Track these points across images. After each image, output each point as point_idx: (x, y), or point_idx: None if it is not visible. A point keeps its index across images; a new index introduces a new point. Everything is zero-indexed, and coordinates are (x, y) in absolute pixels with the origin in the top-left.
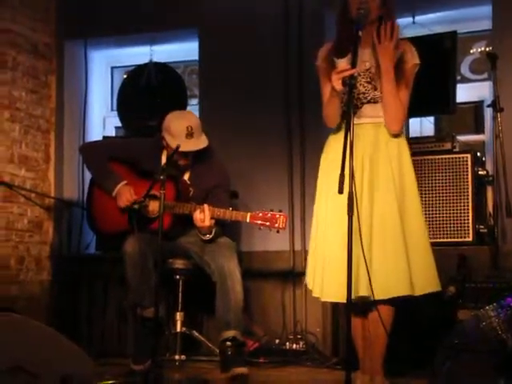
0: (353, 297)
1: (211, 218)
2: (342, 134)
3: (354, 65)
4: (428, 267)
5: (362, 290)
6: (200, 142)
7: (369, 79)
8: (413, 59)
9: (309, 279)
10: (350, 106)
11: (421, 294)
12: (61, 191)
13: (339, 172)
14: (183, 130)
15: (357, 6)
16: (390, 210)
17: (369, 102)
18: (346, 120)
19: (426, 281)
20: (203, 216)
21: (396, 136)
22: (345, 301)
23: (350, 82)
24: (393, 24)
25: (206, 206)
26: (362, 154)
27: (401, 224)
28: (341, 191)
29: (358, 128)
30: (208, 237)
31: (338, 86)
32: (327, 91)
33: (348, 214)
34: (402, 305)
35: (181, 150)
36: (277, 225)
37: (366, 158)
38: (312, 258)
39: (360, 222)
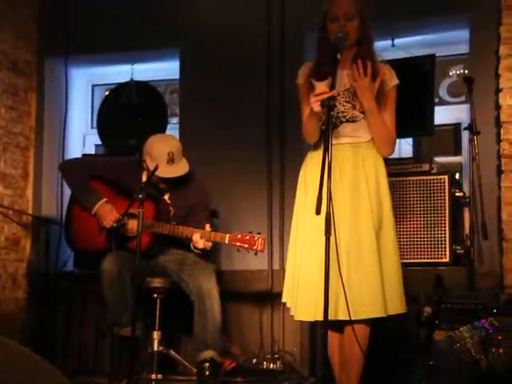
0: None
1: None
2: (320, 153)
3: (333, 87)
4: (400, 288)
5: (339, 312)
6: (181, 168)
7: (348, 99)
8: (392, 81)
9: (287, 297)
10: (329, 128)
11: (393, 313)
12: (39, 208)
13: (317, 193)
14: (164, 156)
15: (336, 30)
16: (367, 232)
17: (348, 120)
18: (324, 141)
19: (398, 301)
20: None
21: (373, 155)
22: (317, 319)
23: (328, 104)
24: (364, 61)
25: (206, 227)
26: (340, 175)
27: (377, 245)
28: (318, 212)
29: (337, 149)
30: (198, 251)
31: (317, 108)
32: (307, 109)
33: (325, 235)
34: (378, 324)
35: (162, 176)
36: (255, 247)
37: (344, 179)
38: (289, 276)
39: (337, 243)
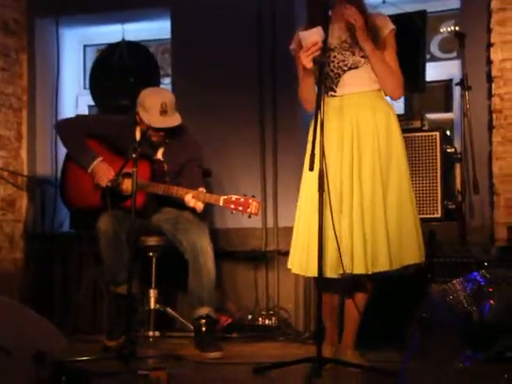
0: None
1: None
2: (325, 113)
3: (325, 46)
4: (410, 239)
5: (355, 266)
6: (173, 120)
7: (346, 48)
8: (388, 26)
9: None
10: (321, 87)
11: (401, 265)
12: (34, 169)
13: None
14: (157, 107)
15: None
16: (373, 187)
17: (350, 68)
18: (317, 99)
19: (407, 253)
20: (194, 202)
21: (384, 106)
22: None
23: (320, 60)
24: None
25: (200, 189)
26: (349, 127)
27: (383, 199)
28: (311, 168)
29: (343, 100)
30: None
31: (309, 64)
32: (302, 70)
33: (319, 191)
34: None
35: (154, 126)
36: (249, 210)
37: (354, 129)
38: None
39: (343, 199)
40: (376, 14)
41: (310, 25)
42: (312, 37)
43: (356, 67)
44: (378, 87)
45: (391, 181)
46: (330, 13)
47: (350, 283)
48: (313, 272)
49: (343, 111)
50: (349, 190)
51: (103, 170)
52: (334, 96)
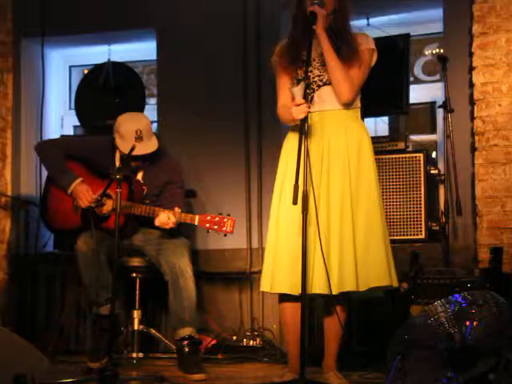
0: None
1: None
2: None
3: (308, 56)
4: (378, 263)
5: (316, 286)
6: (149, 146)
7: (323, 62)
8: (367, 44)
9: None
10: (304, 128)
11: (365, 288)
12: (18, 189)
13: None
14: (132, 134)
15: (311, 1)
16: (343, 207)
17: (325, 84)
18: (301, 124)
19: (375, 276)
20: (167, 219)
21: (356, 128)
22: (295, 293)
23: (306, 82)
24: (337, 30)
25: (176, 209)
26: (321, 146)
27: (351, 221)
28: (295, 202)
29: (316, 116)
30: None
31: (300, 116)
32: (281, 83)
33: (302, 212)
34: (357, 301)
35: (131, 154)
36: (224, 228)
37: (325, 149)
38: (266, 254)
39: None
40: (360, 33)
41: (294, 37)
42: (300, 91)
43: (330, 83)
44: (352, 107)
45: (360, 205)
46: (314, 27)
47: (326, 303)
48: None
49: (315, 130)
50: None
51: (83, 191)
52: (309, 112)
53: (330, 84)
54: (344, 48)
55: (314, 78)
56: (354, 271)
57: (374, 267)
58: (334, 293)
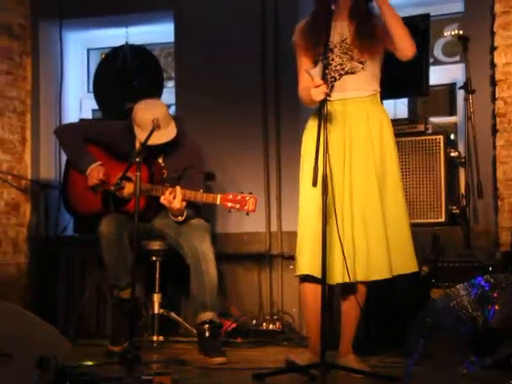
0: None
1: (182, 199)
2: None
3: (327, 37)
4: (406, 248)
5: (339, 275)
6: (167, 134)
7: (345, 50)
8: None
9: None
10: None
11: (397, 274)
12: (37, 173)
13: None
14: (149, 123)
15: None
16: (370, 193)
17: (347, 72)
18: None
19: (403, 262)
20: (172, 198)
21: (378, 113)
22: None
23: (325, 62)
24: (359, 14)
25: (178, 188)
26: (343, 134)
27: (381, 206)
28: (314, 184)
29: (339, 104)
30: (180, 219)
31: (319, 97)
32: (302, 64)
33: (322, 195)
34: (377, 284)
35: (148, 143)
36: (246, 207)
37: (347, 137)
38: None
39: (340, 204)
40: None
41: (313, 18)
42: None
43: (353, 72)
44: (373, 92)
45: (387, 190)
46: (333, 7)
47: (343, 287)
48: (303, 270)
49: (337, 118)
50: (341, 199)
51: (95, 172)
52: (328, 101)
53: (352, 73)
54: (368, 38)
55: (335, 66)
56: (387, 258)
57: (405, 253)
58: (362, 280)
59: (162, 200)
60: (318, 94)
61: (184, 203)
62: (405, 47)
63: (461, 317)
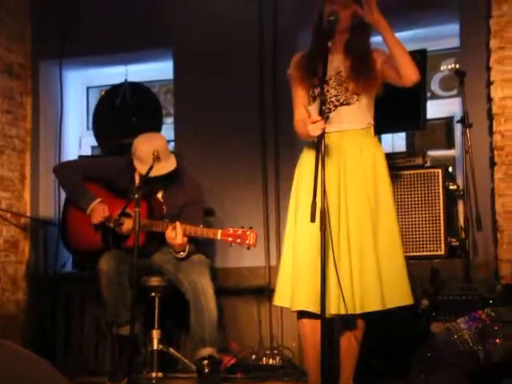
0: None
1: (183, 235)
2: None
3: (324, 73)
4: (400, 281)
5: (334, 307)
6: (167, 166)
7: (340, 82)
8: (384, 55)
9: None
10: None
11: (391, 307)
12: (36, 210)
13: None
14: (150, 155)
15: (327, 14)
16: (363, 226)
17: (342, 104)
18: (316, 152)
19: (396, 294)
20: (174, 234)
21: (371, 147)
22: (315, 311)
23: (321, 98)
24: (355, 48)
25: (177, 223)
26: (337, 166)
27: (374, 240)
28: (313, 220)
29: (333, 136)
30: (182, 254)
31: (317, 133)
32: (297, 97)
33: (320, 229)
34: (376, 318)
35: (149, 175)
36: (247, 241)
37: (341, 170)
38: (283, 271)
39: (336, 238)
40: (374, 49)
41: (310, 52)
42: (316, 109)
43: (348, 103)
44: (367, 125)
45: (381, 222)
46: (330, 44)
47: (343, 320)
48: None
49: (332, 150)
50: (336, 232)
51: (98, 210)
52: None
53: (347, 104)
54: (365, 72)
55: (330, 97)
56: (379, 290)
57: (398, 286)
58: (356, 312)
59: (166, 238)
60: (315, 130)
61: (185, 239)
62: (409, 71)
63: (462, 351)
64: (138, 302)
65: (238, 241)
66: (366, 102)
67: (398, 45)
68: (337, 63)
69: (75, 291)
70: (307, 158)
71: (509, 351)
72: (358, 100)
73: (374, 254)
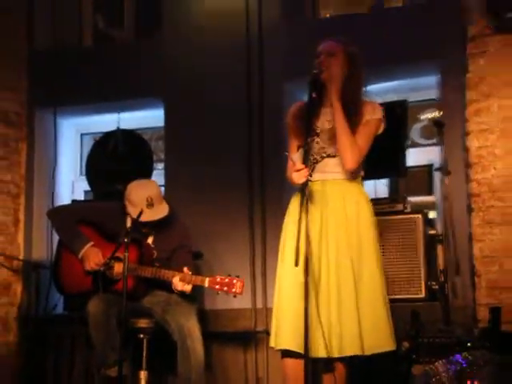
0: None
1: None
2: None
3: (308, 127)
4: (381, 327)
5: (314, 349)
6: (159, 211)
7: (329, 136)
8: (374, 114)
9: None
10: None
11: (370, 353)
12: (29, 253)
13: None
14: (143, 201)
15: (313, 67)
16: (345, 272)
17: (328, 156)
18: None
19: (377, 341)
20: (182, 284)
21: (355, 195)
22: (297, 350)
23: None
24: (346, 98)
25: (185, 270)
26: (320, 213)
27: (355, 286)
28: (297, 264)
29: (316, 185)
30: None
31: (300, 180)
32: (292, 146)
33: (304, 277)
34: (357, 360)
35: (141, 220)
36: (234, 290)
37: (323, 216)
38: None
39: (317, 282)
40: (368, 101)
41: (306, 105)
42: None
43: (334, 156)
44: (351, 175)
45: (364, 271)
46: (313, 95)
47: (325, 362)
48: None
49: (315, 198)
50: (318, 277)
51: (92, 254)
52: (310, 181)
53: (332, 156)
54: (353, 119)
55: (319, 149)
56: (357, 335)
57: (379, 332)
58: (334, 355)
59: (175, 286)
60: (299, 177)
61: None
62: (345, 159)
63: None
64: (126, 343)
65: (225, 289)
66: None
67: (343, 131)
68: (328, 116)
69: (65, 333)
70: (295, 205)
71: None
72: None
73: (354, 302)
